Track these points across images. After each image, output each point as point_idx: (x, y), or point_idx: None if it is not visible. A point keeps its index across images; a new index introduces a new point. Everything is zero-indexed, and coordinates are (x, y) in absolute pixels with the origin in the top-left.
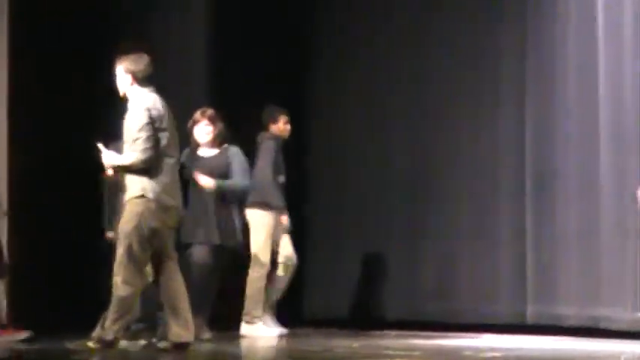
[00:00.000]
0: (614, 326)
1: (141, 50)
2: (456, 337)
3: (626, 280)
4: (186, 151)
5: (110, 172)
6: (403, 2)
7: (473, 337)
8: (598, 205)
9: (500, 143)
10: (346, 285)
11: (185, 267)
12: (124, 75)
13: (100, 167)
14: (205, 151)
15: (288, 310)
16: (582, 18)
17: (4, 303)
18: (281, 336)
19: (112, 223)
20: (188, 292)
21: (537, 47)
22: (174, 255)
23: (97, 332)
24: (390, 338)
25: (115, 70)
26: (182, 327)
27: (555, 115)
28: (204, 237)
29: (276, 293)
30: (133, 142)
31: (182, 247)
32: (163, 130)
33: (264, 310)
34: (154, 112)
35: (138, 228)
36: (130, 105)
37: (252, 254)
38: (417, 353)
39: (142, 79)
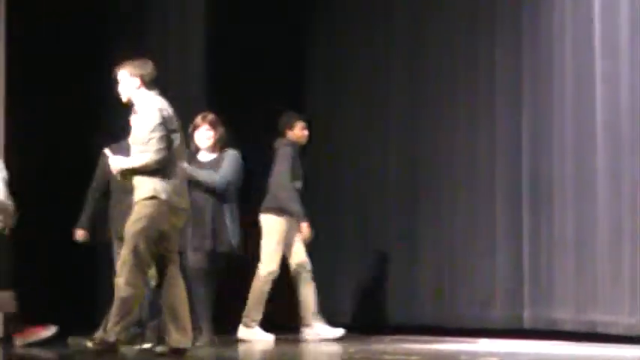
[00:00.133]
0: (610, 331)
1: (138, 53)
2: (453, 342)
3: (622, 285)
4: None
5: (118, 177)
6: (402, 3)
7: (470, 342)
8: (595, 210)
9: (497, 147)
10: (342, 289)
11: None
12: (129, 79)
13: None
14: (205, 156)
15: (284, 314)
16: (579, 22)
17: None
18: (340, 338)
19: (107, 225)
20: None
21: (533, 51)
22: (176, 259)
23: (99, 334)
24: (386, 343)
25: (116, 75)
26: (181, 332)
27: (552, 120)
28: (197, 243)
29: (314, 302)
30: (146, 143)
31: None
32: (174, 131)
33: (314, 320)
34: (165, 114)
35: (147, 229)
36: (137, 108)
37: (261, 259)
38: (414, 358)
39: (149, 83)
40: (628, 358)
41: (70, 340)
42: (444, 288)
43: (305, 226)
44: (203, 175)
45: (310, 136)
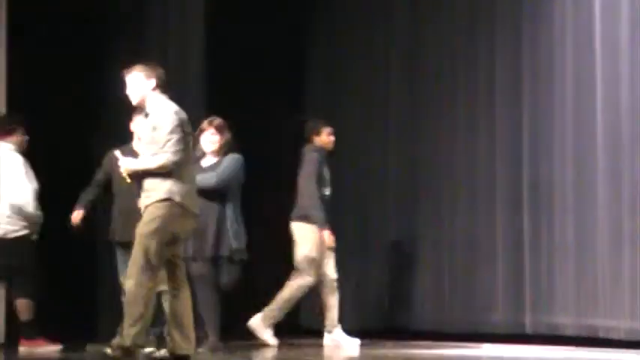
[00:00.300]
0: (611, 335)
1: (138, 53)
2: (455, 347)
3: (623, 289)
4: None
5: (127, 178)
6: (402, 3)
7: (472, 347)
8: (595, 214)
9: (497, 149)
10: (342, 295)
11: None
12: (144, 81)
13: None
14: (208, 160)
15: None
16: (579, 23)
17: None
18: (359, 345)
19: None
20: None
21: (533, 55)
22: (182, 265)
23: (116, 340)
24: (387, 348)
25: (125, 76)
26: (184, 339)
27: (552, 122)
28: (198, 249)
29: (336, 310)
30: (163, 145)
31: None
32: (189, 134)
33: (334, 327)
34: (182, 116)
35: (160, 231)
36: (150, 110)
37: (296, 267)
38: None
39: (162, 86)
40: None
41: (89, 347)
42: (445, 292)
43: (325, 234)
44: (199, 180)
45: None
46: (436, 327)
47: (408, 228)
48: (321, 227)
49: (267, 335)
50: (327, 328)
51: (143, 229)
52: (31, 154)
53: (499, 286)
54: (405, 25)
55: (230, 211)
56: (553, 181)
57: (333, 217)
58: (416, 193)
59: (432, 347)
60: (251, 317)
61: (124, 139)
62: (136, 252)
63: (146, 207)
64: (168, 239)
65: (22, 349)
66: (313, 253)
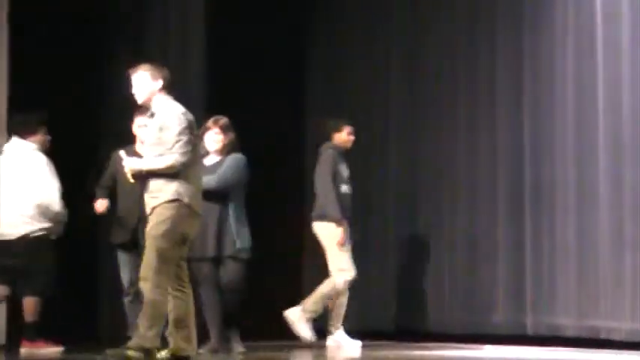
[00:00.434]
0: (613, 336)
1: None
2: (456, 348)
3: (624, 291)
4: None
5: (131, 179)
6: (402, 3)
7: (473, 348)
8: (596, 215)
9: (498, 151)
10: None
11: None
12: (150, 81)
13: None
14: (211, 159)
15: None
16: (580, 26)
17: None
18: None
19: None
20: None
21: (535, 58)
22: (185, 266)
23: (133, 341)
24: (388, 349)
25: (130, 75)
26: (186, 341)
27: (553, 125)
28: (200, 250)
29: (344, 311)
30: (172, 146)
31: None
32: (196, 136)
33: (338, 328)
34: (190, 118)
35: (171, 232)
36: (157, 110)
37: (331, 267)
38: None
39: (168, 86)
40: None
41: (110, 351)
42: (446, 293)
43: (339, 231)
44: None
45: (309, 137)
46: (437, 328)
47: (409, 228)
48: (337, 224)
49: (304, 332)
50: (330, 329)
51: (155, 230)
52: None
53: (500, 287)
54: (406, 24)
55: (232, 211)
56: (554, 181)
57: None
58: (416, 194)
59: (433, 348)
60: (257, 317)
61: (124, 139)
62: (150, 254)
63: (153, 208)
64: (178, 240)
65: (23, 350)
66: (341, 248)
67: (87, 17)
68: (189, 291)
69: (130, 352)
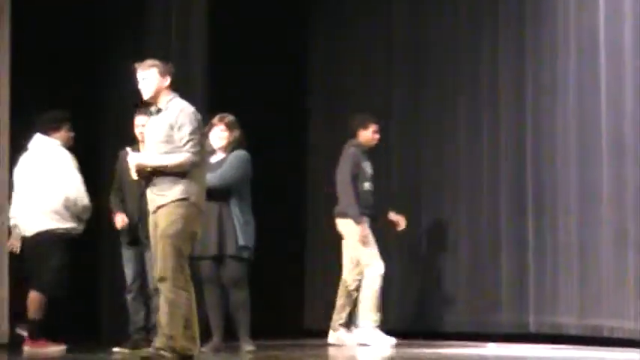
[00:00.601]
0: (615, 335)
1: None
2: (460, 347)
3: (627, 289)
4: None
5: (135, 175)
6: (403, 7)
7: (477, 347)
8: (599, 216)
9: (500, 151)
10: None
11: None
12: (159, 78)
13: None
14: (217, 156)
15: (290, 320)
16: (582, 26)
17: None
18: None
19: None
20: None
21: (537, 59)
22: (187, 265)
23: (162, 340)
24: (392, 348)
25: (136, 71)
26: (189, 340)
27: (556, 126)
28: (202, 249)
29: (346, 310)
30: (185, 144)
31: None
32: (204, 135)
33: (342, 326)
34: (199, 117)
35: (183, 230)
36: (166, 107)
37: (356, 263)
38: None
39: (173, 83)
40: None
41: (142, 353)
42: (449, 292)
43: (358, 229)
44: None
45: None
46: (440, 326)
47: (411, 228)
48: (357, 222)
49: (379, 338)
50: (333, 325)
51: (169, 229)
52: None
53: (503, 286)
54: (408, 24)
55: (236, 209)
56: (557, 181)
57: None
58: (418, 193)
59: (436, 346)
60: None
61: (125, 137)
62: (166, 254)
63: (160, 207)
64: (189, 238)
65: (26, 349)
66: (361, 247)
67: (88, 18)
68: (191, 289)
69: (162, 353)
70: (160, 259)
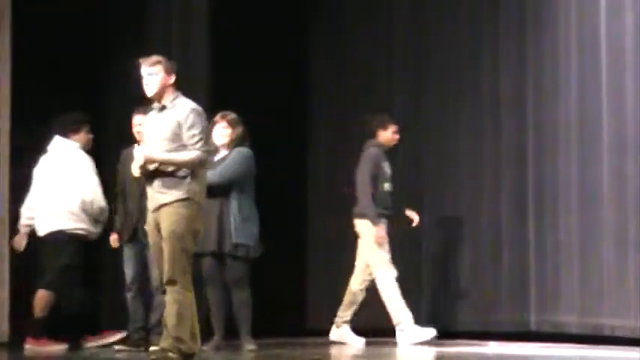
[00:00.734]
0: (616, 334)
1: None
2: (461, 345)
3: (628, 288)
4: None
5: (137, 171)
6: (405, 10)
7: (478, 345)
8: (600, 215)
9: (502, 151)
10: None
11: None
12: (164, 75)
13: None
14: (221, 154)
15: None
16: (583, 27)
17: None
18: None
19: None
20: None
21: (539, 57)
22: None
23: (168, 342)
24: (393, 346)
25: (141, 66)
26: (189, 338)
27: (557, 125)
28: (201, 246)
29: (352, 308)
30: (195, 142)
31: None
32: (207, 134)
33: (345, 322)
34: (205, 117)
35: (191, 230)
36: (172, 105)
37: (374, 266)
38: None
39: (177, 82)
40: None
41: (151, 353)
42: (451, 291)
43: (374, 231)
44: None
45: (312, 137)
46: (442, 325)
47: (413, 228)
48: (374, 224)
49: (419, 335)
50: (337, 322)
51: (176, 230)
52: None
53: (504, 285)
54: (408, 30)
55: (234, 206)
56: (558, 180)
57: (335, 219)
58: (420, 193)
59: (437, 345)
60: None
61: (125, 144)
62: (175, 256)
63: (163, 205)
64: (194, 237)
65: (27, 347)
66: (376, 248)
67: (88, 18)
68: (192, 288)
69: (170, 355)
70: (168, 261)
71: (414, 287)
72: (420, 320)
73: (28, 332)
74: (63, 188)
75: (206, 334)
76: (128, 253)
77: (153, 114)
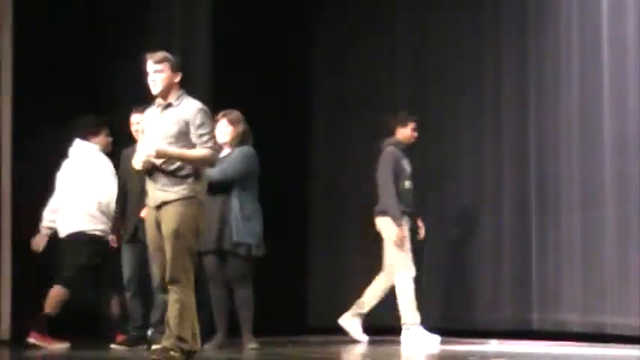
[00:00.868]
0: (618, 332)
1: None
2: (462, 343)
3: (630, 286)
4: None
5: (139, 165)
6: (406, 10)
7: (479, 343)
8: (602, 213)
9: (503, 150)
10: (349, 292)
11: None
12: (171, 72)
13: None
14: (224, 152)
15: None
16: (586, 27)
17: None
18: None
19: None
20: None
21: (540, 56)
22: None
23: (171, 342)
24: (395, 345)
25: (147, 62)
26: (190, 336)
27: (559, 124)
28: (202, 244)
29: (371, 303)
30: (206, 141)
31: None
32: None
33: (353, 315)
34: (211, 115)
35: (195, 229)
36: (178, 103)
37: (394, 265)
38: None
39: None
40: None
41: (152, 352)
42: (452, 289)
43: (397, 230)
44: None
45: (312, 137)
46: (443, 323)
47: (413, 235)
48: (396, 222)
49: (423, 337)
50: (353, 311)
51: (180, 227)
52: (35, 155)
53: (506, 283)
54: (410, 31)
55: (236, 204)
56: (560, 178)
57: (336, 219)
58: (421, 192)
59: (439, 343)
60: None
61: (125, 144)
62: (178, 255)
63: (166, 202)
64: (197, 235)
65: (30, 341)
66: (395, 248)
67: (89, 19)
68: (193, 287)
69: (173, 354)
70: (171, 260)
71: (416, 286)
72: (421, 320)
73: (32, 327)
74: (83, 191)
75: (208, 332)
76: (127, 253)
77: (154, 111)
